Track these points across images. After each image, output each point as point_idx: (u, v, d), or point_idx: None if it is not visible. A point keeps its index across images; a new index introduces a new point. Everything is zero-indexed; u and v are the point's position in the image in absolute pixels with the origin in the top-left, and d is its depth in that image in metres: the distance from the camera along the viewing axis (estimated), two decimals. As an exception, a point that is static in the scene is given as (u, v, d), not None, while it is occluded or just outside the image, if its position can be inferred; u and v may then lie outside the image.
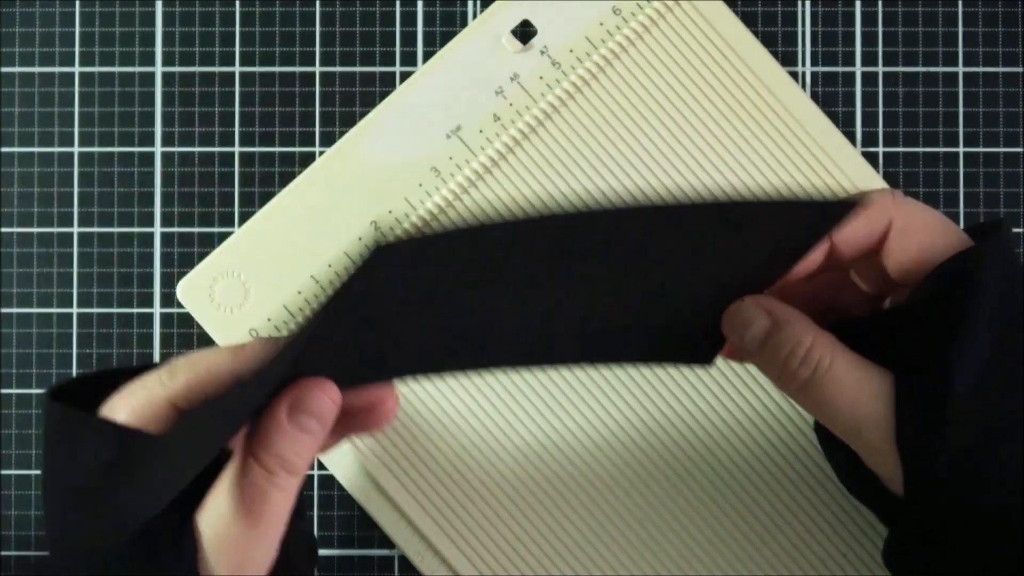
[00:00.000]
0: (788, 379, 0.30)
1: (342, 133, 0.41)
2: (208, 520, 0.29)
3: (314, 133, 0.42)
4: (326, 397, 0.29)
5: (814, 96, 0.42)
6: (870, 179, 0.41)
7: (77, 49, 0.42)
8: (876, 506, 0.31)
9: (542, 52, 0.41)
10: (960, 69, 0.42)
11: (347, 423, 0.33)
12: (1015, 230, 0.41)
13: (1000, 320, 0.28)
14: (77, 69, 0.42)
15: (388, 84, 0.42)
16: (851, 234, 0.30)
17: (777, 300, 0.31)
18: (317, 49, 0.42)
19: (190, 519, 0.29)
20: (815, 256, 0.31)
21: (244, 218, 0.41)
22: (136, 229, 0.42)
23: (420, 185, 0.41)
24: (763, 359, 0.30)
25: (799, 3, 0.42)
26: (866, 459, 0.29)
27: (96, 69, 0.42)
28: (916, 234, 0.30)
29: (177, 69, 0.42)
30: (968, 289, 0.28)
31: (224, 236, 0.41)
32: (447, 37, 0.42)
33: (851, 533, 0.40)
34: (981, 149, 0.42)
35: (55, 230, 0.42)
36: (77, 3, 0.42)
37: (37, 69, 0.42)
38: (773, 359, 0.30)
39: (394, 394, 0.33)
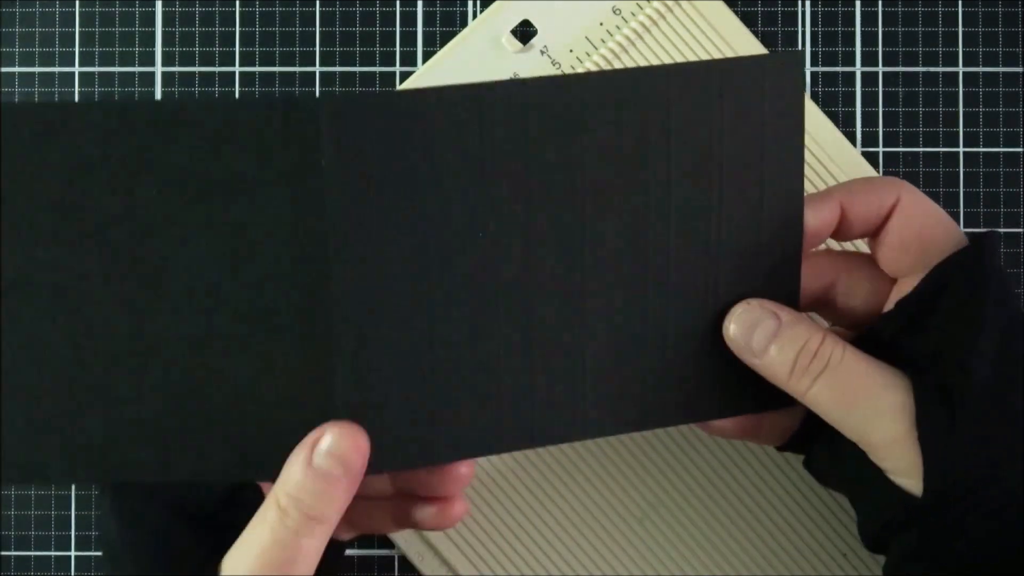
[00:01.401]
0: (799, 376, 0.29)
1: (342, 133, 0.41)
2: (233, 566, 0.28)
3: (314, 133, 0.42)
4: (352, 440, 0.28)
5: (814, 96, 0.42)
6: (870, 179, 0.41)
7: (77, 49, 0.42)
8: (876, 513, 0.31)
9: (542, 52, 0.41)
10: (960, 69, 0.42)
11: (408, 512, 0.33)
12: (1015, 230, 0.41)
13: (1003, 315, 0.29)
14: (77, 69, 0.42)
15: (388, 84, 0.42)
16: (862, 201, 0.31)
17: (778, 304, 0.31)
18: (317, 49, 0.42)
19: (215, 564, 0.28)
20: (826, 217, 0.31)
21: (244, 218, 0.41)
22: (136, 229, 0.42)
23: (420, 185, 0.41)
24: (771, 360, 0.30)
25: (799, 3, 0.42)
26: (876, 453, 0.29)
27: (96, 69, 0.42)
28: (919, 216, 0.31)
29: (177, 69, 0.42)
30: (978, 283, 0.29)
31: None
32: (447, 37, 0.42)
33: (851, 533, 0.40)
34: (981, 149, 0.42)
35: (55, 230, 0.42)
36: (77, 3, 0.42)
37: (37, 69, 0.42)
38: (783, 358, 0.29)
39: (463, 500, 0.33)
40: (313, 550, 0.28)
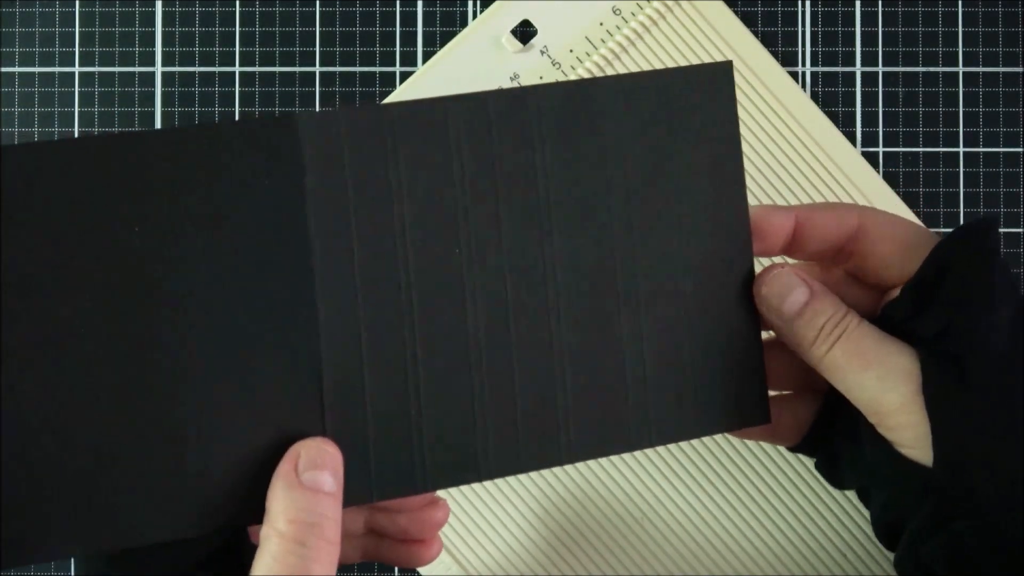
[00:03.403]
0: (819, 345, 0.30)
1: (342, 133, 0.41)
2: None
3: (314, 133, 0.42)
4: (329, 449, 0.27)
5: (814, 96, 0.42)
6: (870, 179, 0.41)
7: (77, 49, 0.42)
8: (892, 496, 0.30)
9: (542, 52, 0.41)
10: (960, 69, 0.42)
11: (380, 549, 0.33)
12: (1015, 230, 0.42)
13: (1012, 294, 0.29)
14: (77, 69, 0.42)
15: (388, 84, 0.42)
16: (819, 217, 0.31)
17: (805, 271, 0.31)
18: (317, 49, 0.42)
19: None
20: (776, 223, 0.31)
21: (244, 218, 0.41)
22: (136, 229, 0.42)
23: (420, 185, 0.41)
24: (800, 325, 0.31)
25: (799, 3, 0.42)
26: (886, 422, 0.29)
27: (96, 69, 0.42)
28: (888, 229, 0.31)
29: (177, 69, 0.42)
30: (982, 259, 0.29)
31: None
32: (447, 37, 0.42)
33: (851, 533, 0.40)
34: (981, 149, 0.42)
35: (55, 230, 0.42)
36: (77, 3, 0.42)
37: (37, 69, 0.42)
38: (813, 325, 0.30)
39: (438, 540, 0.33)
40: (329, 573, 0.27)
